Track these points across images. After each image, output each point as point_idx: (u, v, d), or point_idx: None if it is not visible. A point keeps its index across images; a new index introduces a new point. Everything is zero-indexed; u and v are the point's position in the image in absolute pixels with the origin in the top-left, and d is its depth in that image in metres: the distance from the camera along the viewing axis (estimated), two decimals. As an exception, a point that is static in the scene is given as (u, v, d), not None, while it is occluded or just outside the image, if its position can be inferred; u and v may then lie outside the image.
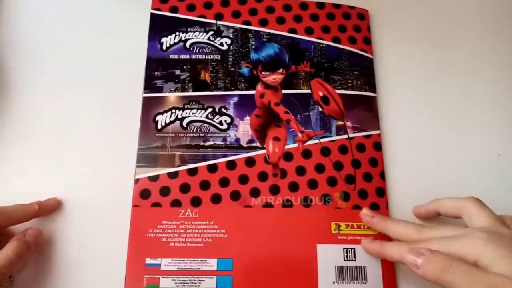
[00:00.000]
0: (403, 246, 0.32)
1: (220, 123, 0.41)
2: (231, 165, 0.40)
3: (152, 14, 0.45)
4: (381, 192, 0.40)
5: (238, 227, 0.38)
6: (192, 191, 0.39)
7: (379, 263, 0.37)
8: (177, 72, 0.43)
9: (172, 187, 0.39)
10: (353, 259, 0.37)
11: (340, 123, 0.42)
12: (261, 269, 0.37)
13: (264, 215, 0.38)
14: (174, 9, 0.45)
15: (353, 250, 0.38)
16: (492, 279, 0.27)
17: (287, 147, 0.41)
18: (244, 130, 0.41)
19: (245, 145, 0.41)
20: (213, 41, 0.44)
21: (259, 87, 0.43)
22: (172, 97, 0.42)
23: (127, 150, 0.40)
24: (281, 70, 0.43)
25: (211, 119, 0.41)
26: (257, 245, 0.37)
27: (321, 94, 0.43)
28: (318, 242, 0.38)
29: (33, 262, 0.36)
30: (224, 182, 0.39)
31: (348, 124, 0.42)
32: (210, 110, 0.42)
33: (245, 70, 0.43)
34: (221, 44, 0.44)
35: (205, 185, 0.39)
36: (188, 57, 0.43)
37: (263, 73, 0.43)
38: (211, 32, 0.44)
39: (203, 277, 0.36)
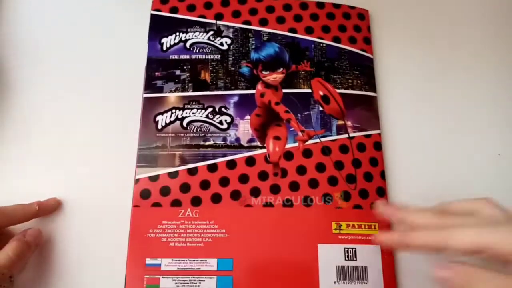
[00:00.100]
0: (430, 232, 0.31)
1: (220, 122, 0.41)
2: (231, 164, 0.40)
3: (152, 14, 0.45)
4: (382, 191, 0.40)
5: (238, 227, 0.38)
6: (192, 191, 0.38)
7: (380, 263, 0.37)
8: (177, 72, 0.43)
9: (172, 187, 0.38)
10: (354, 259, 0.37)
11: (341, 122, 0.42)
12: (261, 269, 0.36)
13: (265, 215, 0.38)
14: (174, 10, 0.45)
15: (354, 250, 0.38)
16: None
17: (287, 146, 0.41)
18: (244, 129, 0.41)
19: (245, 145, 0.41)
20: (213, 41, 0.44)
21: (259, 86, 0.43)
22: (172, 97, 0.42)
23: (127, 150, 0.40)
24: (281, 69, 0.43)
25: (211, 119, 0.41)
26: (258, 245, 0.37)
27: (321, 93, 0.43)
28: (319, 242, 0.37)
29: (33, 262, 0.36)
30: (224, 182, 0.39)
31: (349, 123, 0.42)
32: (210, 109, 0.41)
33: (245, 69, 0.43)
34: (221, 44, 0.44)
35: (205, 184, 0.39)
36: (188, 57, 0.43)
37: (263, 72, 0.43)
38: (211, 32, 0.44)
39: (203, 277, 0.36)
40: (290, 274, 0.36)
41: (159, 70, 0.43)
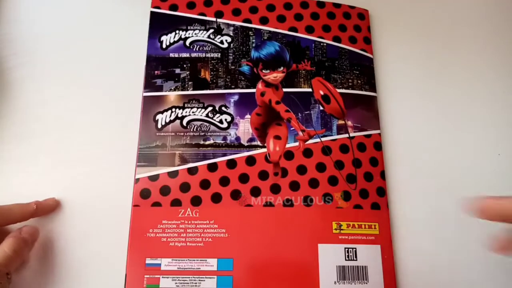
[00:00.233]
0: None
1: (221, 121, 0.41)
2: (232, 164, 0.39)
3: (152, 12, 0.44)
4: (382, 191, 0.40)
5: (238, 226, 0.37)
6: (192, 190, 0.38)
7: (380, 263, 0.37)
8: (177, 71, 0.42)
9: (172, 187, 0.38)
10: (355, 259, 0.37)
11: (341, 122, 0.42)
12: (261, 269, 0.36)
13: (265, 215, 0.38)
14: (174, 7, 0.45)
15: (354, 250, 0.38)
16: None
17: (288, 145, 0.40)
18: (244, 128, 0.41)
19: (246, 144, 0.40)
20: (213, 39, 0.44)
21: (260, 85, 0.42)
22: (172, 96, 0.41)
23: (127, 149, 0.40)
24: (281, 68, 0.43)
25: (211, 118, 0.41)
26: (258, 245, 0.37)
27: (322, 92, 0.43)
28: (319, 242, 0.37)
29: (33, 262, 0.36)
30: (224, 181, 0.39)
31: (349, 123, 0.42)
32: (210, 108, 0.41)
33: (245, 68, 0.43)
34: (221, 42, 0.44)
35: (205, 184, 0.39)
36: (188, 55, 0.43)
37: (263, 71, 0.43)
38: (211, 30, 0.44)
39: (203, 277, 0.36)
40: (290, 274, 0.36)
41: (159, 69, 0.42)
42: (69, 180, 0.39)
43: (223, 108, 0.41)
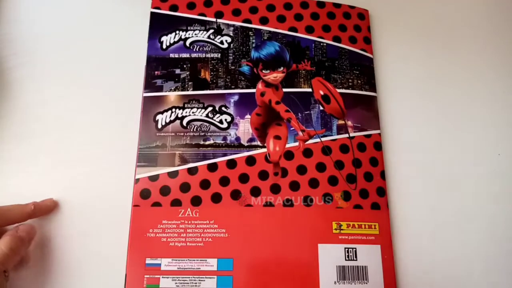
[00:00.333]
0: None
1: (221, 121, 0.41)
2: (232, 164, 0.39)
3: (152, 13, 0.44)
4: (382, 191, 0.40)
5: (238, 226, 0.37)
6: (192, 190, 0.38)
7: (380, 263, 0.37)
8: (177, 71, 0.42)
9: (172, 187, 0.38)
10: (355, 259, 0.37)
11: (341, 122, 0.42)
12: (261, 269, 0.36)
13: (265, 215, 0.38)
14: (174, 8, 0.45)
15: (354, 250, 0.38)
16: None
17: (288, 145, 0.40)
18: (244, 128, 0.41)
19: (246, 144, 0.40)
20: (213, 39, 0.44)
21: (260, 85, 0.42)
22: (172, 96, 0.41)
23: (127, 150, 0.40)
24: (281, 68, 0.43)
25: (211, 118, 0.41)
26: (258, 245, 0.37)
27: (322, 92, 0.43)
28: (319, 242, 0.37)
29: (33, 262, 0.36)
30: (224, 181, 0.39)
31: (349, 123, 0.42)
32: (210, 108, 0.41)
33: (245, 68, 0.43)
34: (221, 42, 0.44)
35: (205, 184, 0.39)
36: (188, 55, 0.43)
37: (263, 71, 0.43)
38: (211, 30, 0.44)
39: (203, 277, 0.36)
40: (290, 274, 0.36)
41: (159, 69, 0.42)
42: (69, 180, 0.39)
43: (223, 108, 0.41)
